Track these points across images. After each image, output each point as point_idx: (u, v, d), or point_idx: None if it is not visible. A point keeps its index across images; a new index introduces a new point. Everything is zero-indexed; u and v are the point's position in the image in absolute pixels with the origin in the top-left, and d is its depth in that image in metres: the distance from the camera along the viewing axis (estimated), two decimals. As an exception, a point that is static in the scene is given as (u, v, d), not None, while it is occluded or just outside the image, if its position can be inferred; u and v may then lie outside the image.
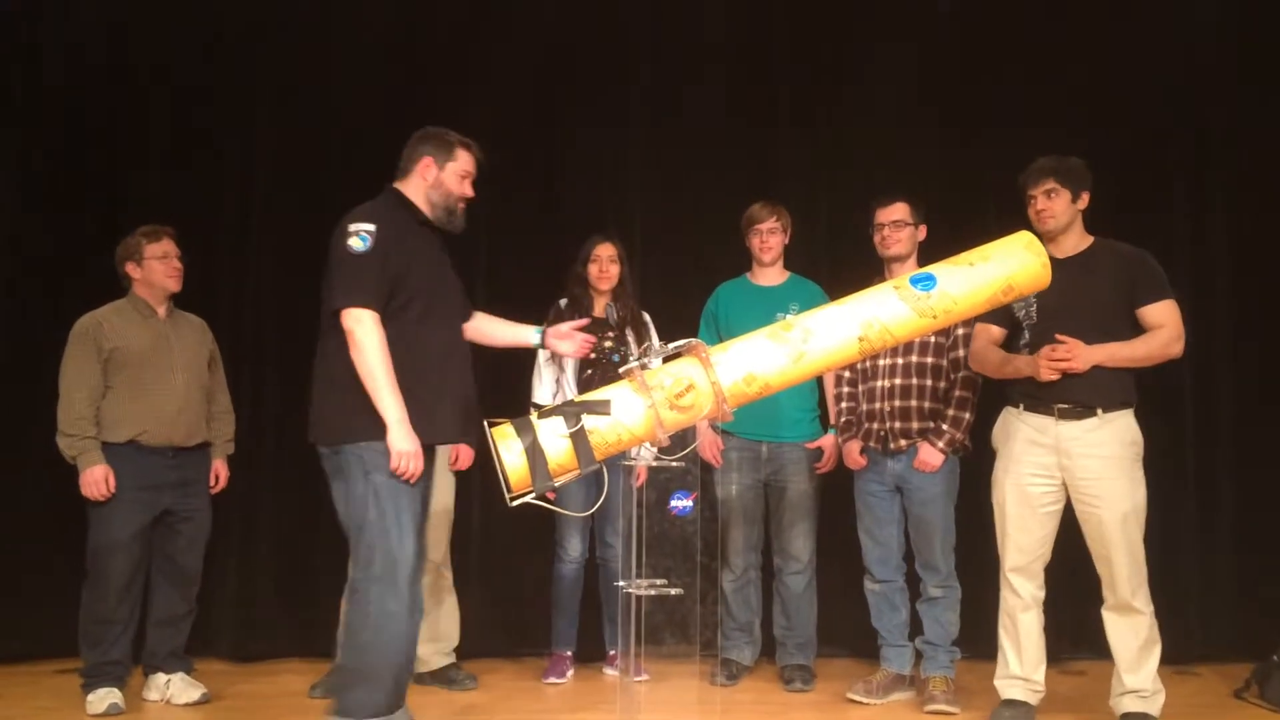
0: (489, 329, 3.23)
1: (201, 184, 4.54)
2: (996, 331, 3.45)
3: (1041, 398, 3.27)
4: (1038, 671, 3.35)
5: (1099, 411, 3.22)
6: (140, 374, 3.60)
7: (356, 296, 2.81)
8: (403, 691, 2.90)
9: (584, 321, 3.14)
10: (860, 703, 3.71)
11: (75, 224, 4.41)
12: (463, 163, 3.06)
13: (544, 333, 3.18)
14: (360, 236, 2.85)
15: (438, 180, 3.04)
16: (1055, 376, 3.21)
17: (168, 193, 4.47)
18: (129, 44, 4.54)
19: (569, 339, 3.14)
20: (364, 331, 2.79)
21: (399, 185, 3.05)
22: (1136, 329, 3.27)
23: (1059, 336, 3.20)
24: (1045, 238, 3.20)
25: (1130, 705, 3.23)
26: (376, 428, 2.79)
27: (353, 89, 4.58)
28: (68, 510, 3.66)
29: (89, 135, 4.47)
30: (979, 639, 3.77)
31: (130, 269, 3.70)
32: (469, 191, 3.08)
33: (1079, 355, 3.18)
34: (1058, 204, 3.30)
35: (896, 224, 3.74)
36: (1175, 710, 3.36)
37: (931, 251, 3.61)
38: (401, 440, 2.79)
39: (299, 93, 4.56)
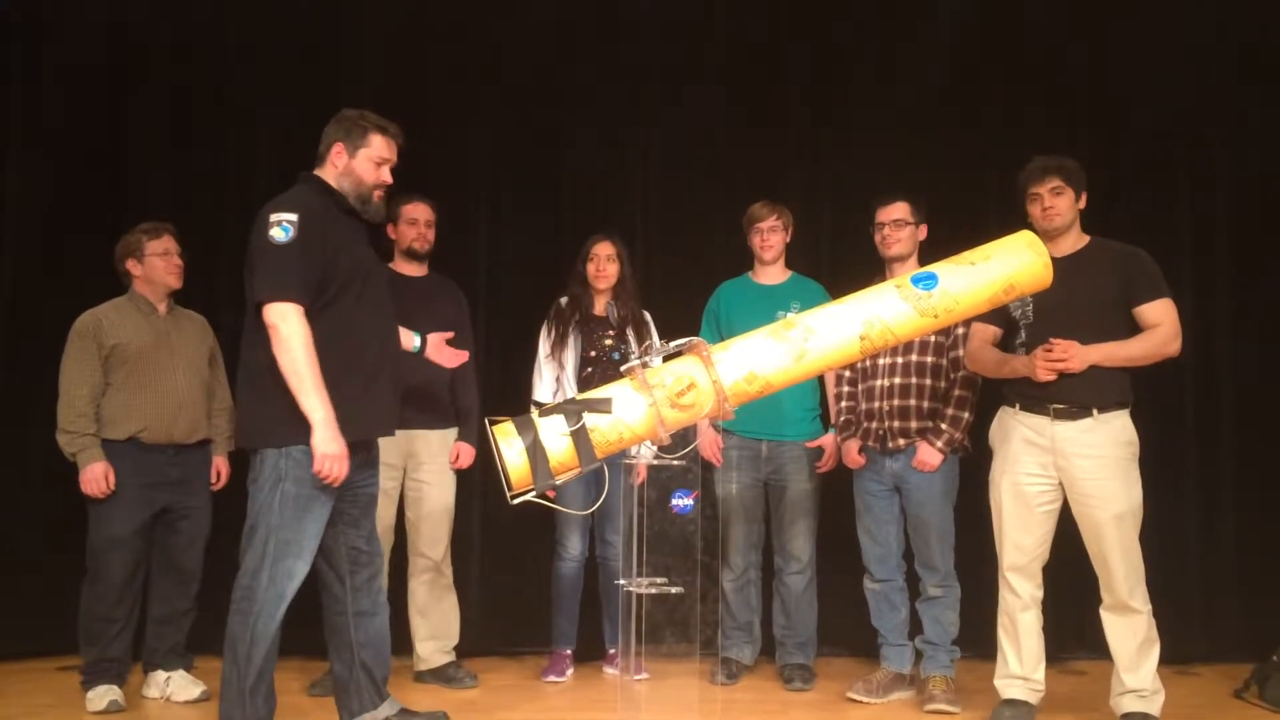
0: None
1: (203, 181, 4.55)
2: (992, 331, 3.44)
3: (1037, 398, 3.27)
4: (1037, 671, 3.35)
5: (1095, 412, 3.21)
6: (140, 371, 3.60)
7: (279, 290, 2.68)
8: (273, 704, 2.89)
9: (450, 335, 3.26)
10: (860, 702, 3.71)
11: (76, 221, 4.40)
12: (377, 148, 2.92)
13: (424, 338, 3.27)
14: (282, 226, 2.71)
15: (348, 167, 2.91)
16: (1052, 377, 3.20)
17: (169, 190, 4.48)
18: (130, 42, 4.54)
19: (442, 353, 3.22)
20: (288, 328, 2.66)
21: (318, 172, 2.93)
22: (1133, 328, 3.26)
23: (1052, 340, 3.20)
24: (1047, 236, 3.20)
25: (1130, 705, 3.23)
26: (298, 431, 2.68)
27: (353, 88, 4.57)
28: (68, 507, 3.66)
29: (90, 132, 4.47)
30: (979, 638, 3.77)
31: (131, 266, 3.70)
32: (386, 179, 2.96)
33: (1076, 355, 3.18)
34: (1063, 202, 3.30)
35: (897, 223, 3.74)
36: (1175, 710, 3.36)
37: (933, 251, 3.62)
38: (326, 443, 2.67)
39: (300, 91, 4.56)
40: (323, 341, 2.72)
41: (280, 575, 2.81)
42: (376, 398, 2.88)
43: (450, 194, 4.31)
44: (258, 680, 2.84)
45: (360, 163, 2.92)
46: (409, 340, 3.27)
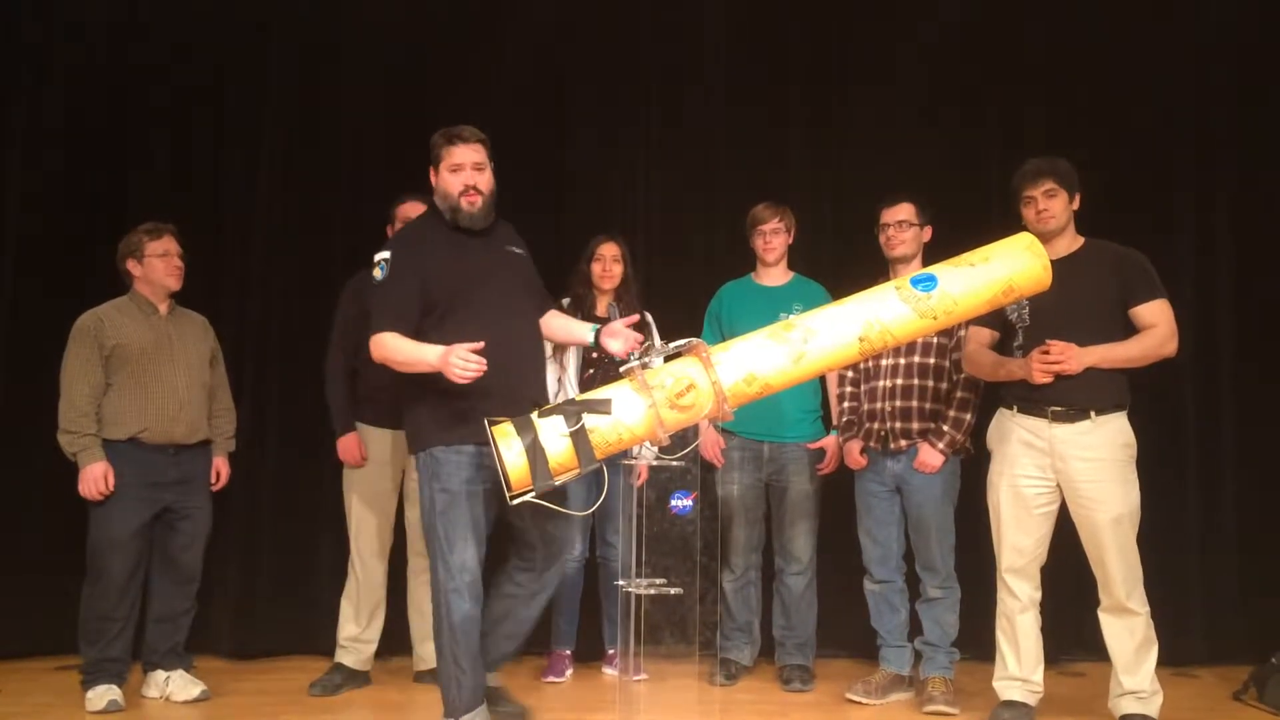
0: (551, 325, 3.23)
1: (205, 182, 4.55)
2: (989, 334, 3.44)
3: (1035, 400, 3.26)
4: (1036, 672, 3.35)
5: (1092, 414, 3.21)
6: (141, 371, 3.60)
7: (378, 323, 2.96)
8: (482, 681, 3.01)
9: (634, 318, 3.06)
10: (859, 703, 3.71)
11: (77, 221, 4.41)
12: (448, 159, 3.03)
13: (598, 331, 3.10)
14: (380, 266, 3.00)
15: (437, 186, 3.07)
16: (1048, 379, 3.20)
17: (171, 190, 4.47)
18: (133, 42, 4.54)
19: (619, 336, 2.99)
20: (384, 349, 2.94)
21: (435, 198, 3.10)
22: (1129, 329, 3.26)
23: (1048, 342, 3.20)
24: (1041, 239, 3.20)
25: (1129, 706, 3.23)
26: (435, 434, 2.94)
27: (356, 89, 4.59)
28: (69, 507, 3.65)
29: (92, 133, 4.47)
30: (978, 640, 3.77)
31: (131, 266, 3.70)
32: (464, 183, 3.02)
33: (1072, 357, 3.18)
34: (1057, 204, 3.30)
35: (901, 224, 3.74)
36: (1174, 712, 3.36)
37: (933, 252, 3.62)
38: (441, 358, 2.80)
39: (303, 91, 4.57)
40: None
41: (455, 567, 2.95)
42: (468, 405, 2.88)
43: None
44: (462, 665, 2.96)
45: (443, 177, 3.06)
46: (583, 333, 3.19)
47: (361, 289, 3.94)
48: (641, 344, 2.89)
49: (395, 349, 2.93)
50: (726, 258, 4.32)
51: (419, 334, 2.95)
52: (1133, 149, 4.49)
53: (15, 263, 4.37)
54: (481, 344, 2.80)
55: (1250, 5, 4.49)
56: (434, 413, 2.95)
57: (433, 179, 3.09)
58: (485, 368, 2.79)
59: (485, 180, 3.06)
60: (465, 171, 3.02)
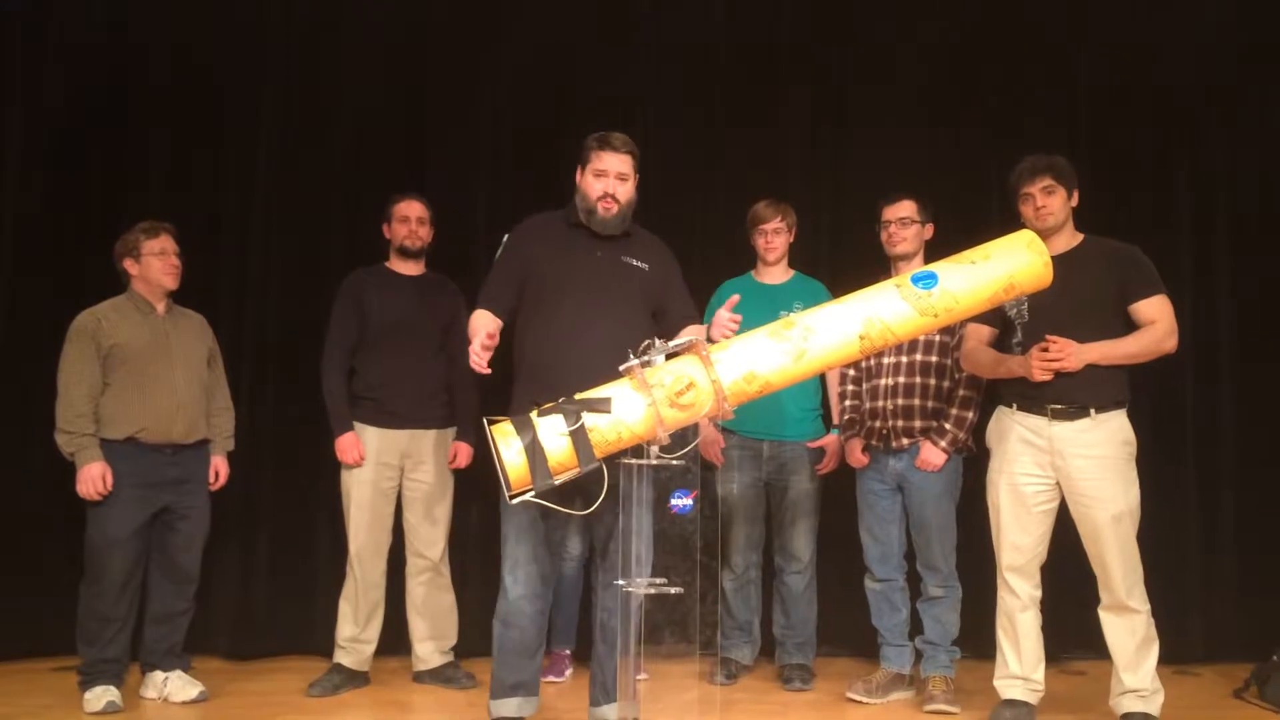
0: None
1: (203, 181, 4.53)
2: (988, 332, 3.44)
3: (1035, 398, 3.26)
4: (1037, 671, 3.34)
5: (1092, 412, 3.21)
6: (139, 371, 3.59)
7: (479, 297, 3.13)
8: (525, 677, 3.11)
9: (735, 299, 3.01)
10: (860, 702, 3.71)
11: (75, 220, 4.40)
12: (594, 163, 3.11)
13: (709, 327, 3.06)
14: (502, 244, 3.22)
15: (580, 184, 3.15)
16: (1048, 377, 3.20)
17: (169, 189, 4.46)
18: (131, 40, 4.53)
19: (718, 324, 2.93)
20: (469, 322, 3.07)
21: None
22: (1129, 326, 3.26)
23: (1049, 338, 3.19)
24: (1041, 236, 3.19)
25: (1130, 705, 3.22)
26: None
27: (356, 89, 4.58)
28: (66, 507, 3.65)
29: (90, 132, 4.46)
30: (979, 639, 3.77)
31: (128, 265, 3.69)
32: (604, 189, 3.10)
33: (1072, 354, 3.17)
34: (1056, 201, 3.30)
35: (903, 221, 3.73)
36: (1175, 710, 3.36)
37: (933, 250, 3.61)
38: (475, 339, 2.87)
39: (301, 91, 4.56)
40: (520, 342, 3.09)
41: (507, 563, 3.07)
42: (528, 388, 3.01)
43: (450, 194, 4.30)
44: (505, 673, 3.09)
45: (586, 179, 3.14)
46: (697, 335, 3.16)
47: (358, 288, 3.94)
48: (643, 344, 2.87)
49: (471, 322, 3.06)
50: (726, 255, 4.31)
51: (518, 315, 3.12)
52: (1132, 146, 4.48)
53: (12, 262, 4.35)
54: (495, 334, 2.90)
55: (1252, 2, 4.49)
56: (515, 404, 3.05)
57: (577, 177, 3.16)
58: (485, 366, 2.83)
59: (625, 190, 3.13)
60: (608, 179, 3.10)
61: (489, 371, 2.86)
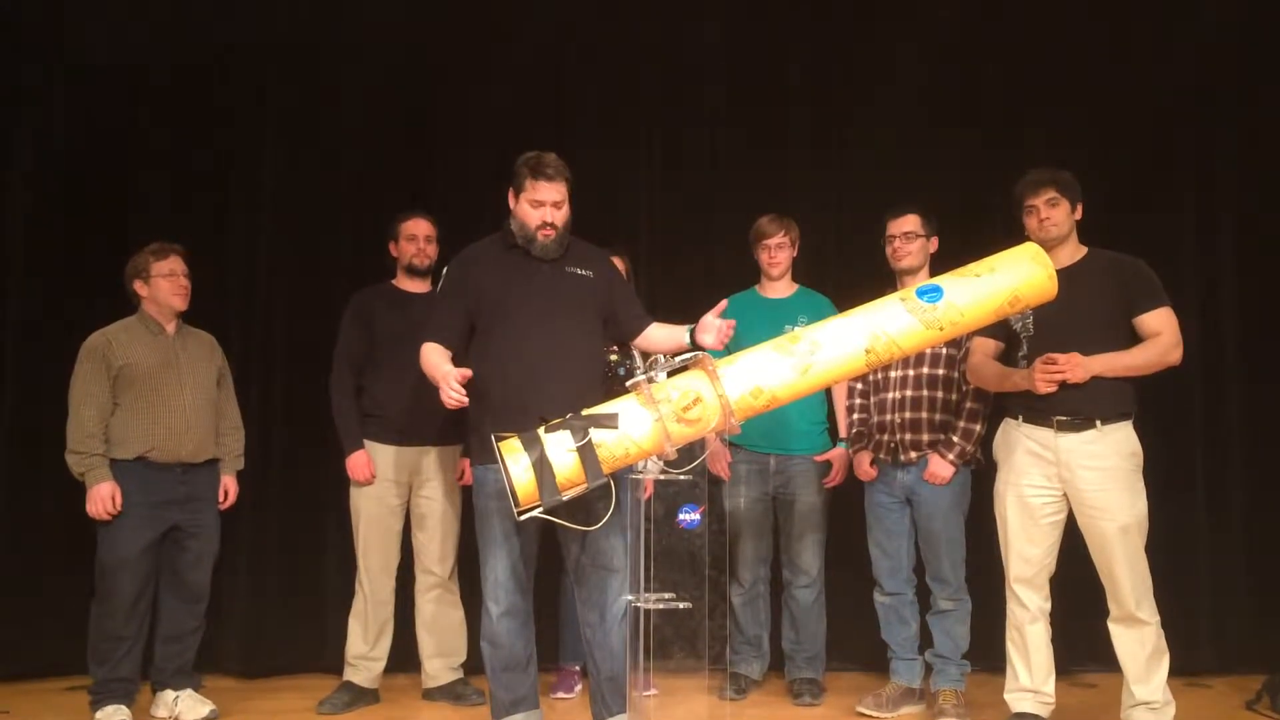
0: (652, 337, 3.23)
1: (212, 201, 4.55)
2: (993, 345, 3.44)
3: (1041, 410, 3.26)
4: (1047, 684, 3.33)
5: (1098, 423, 3.21)
6: (149, 391, 3.61)
7: (424, 332, 3.14)
8: (522, 692, 3.14)
9: (722, 305, 3.03)
10: (870, 716, 3.70)
11: (86, 242, 4.42)
12: (531, 192, 3.09)
13: (692, 330, 3.08)
14: (443, 276, 3.24)
15: (515, 211, 3.14)
16: (1052, 389, 3.20)
17: (178, 210, 4.48)
18: (137, 58, 4.55)
19: (710, 329, 2.98)
20: (421, 358, 3.08)
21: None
22: (1134, 338, 3.26)
23: (1052, 355, 3.20)
24: (1044, 248, 3.19)
25: (1141, 717, 3.21)
26: (479, 453, 3.08)
27: (361, 106, 4.60)
28: (77, 527, 3.66)
29: (98, 152, 4.48)
30: (989, 652, 3.76)
31: (138, 286, 3.71)
32: (542, 218, 3.09)
33: (1077, 366, 3.17)
34: (1059, 213, 3.31)
35: (908, 235, 3.74)
36: (1187, 722, 3.35)
37: (937, 263, 3.62)
38: (441, 378, 2.93)
39: (308, 109, 4.58)
40: (477, 367, 3.02)
41: (487, 581, 3.10)
42: (483, 420, 3.01)
43: (454, 209, 4.32)
44: (502, 692, 3.15)
45: (522, 207, 3.12)
46: (679, 336, 3.12)
47: (366, 307, 3.96)
48: (648, 358, 2.88)
49: (423, 359, 3.08)
50: (730, 270, 4.32)
51: (472, 342, 3.13)
52: (1139, 155, 4.49)
53: (23, 284, 4.38)
54: (469, 373, 2.92)
55: (1250, 5, 4.49)
56: (474, 432, 3.10)
57: (510, 201, 3.15)
58: (465, 400, 2.88)
59: (562, 216, 3.14)
60: (545, 208, 3.10)
61: (467, 404, 2.90)
